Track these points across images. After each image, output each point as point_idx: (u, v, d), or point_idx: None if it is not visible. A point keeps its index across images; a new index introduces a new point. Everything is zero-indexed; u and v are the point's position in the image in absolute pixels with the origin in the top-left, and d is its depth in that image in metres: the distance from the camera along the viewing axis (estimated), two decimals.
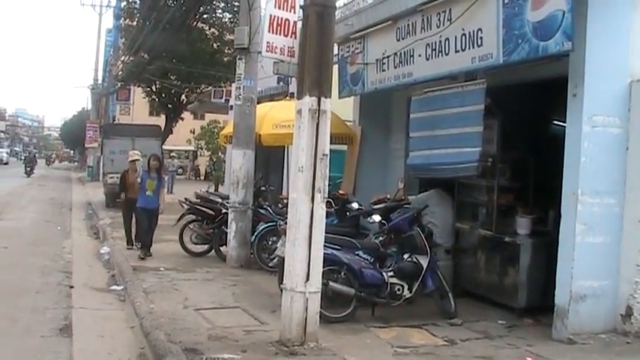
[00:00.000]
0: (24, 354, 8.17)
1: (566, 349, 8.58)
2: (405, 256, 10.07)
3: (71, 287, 11.89)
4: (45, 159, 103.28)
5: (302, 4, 9.04)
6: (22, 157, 79.61)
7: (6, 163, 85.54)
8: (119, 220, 21.28)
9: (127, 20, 41.93)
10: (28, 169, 56.79)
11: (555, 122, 12.05)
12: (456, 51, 10.19)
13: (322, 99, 7.97)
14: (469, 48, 9.90)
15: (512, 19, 8.99)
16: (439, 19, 10.57)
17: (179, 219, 15.54)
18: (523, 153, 11.14)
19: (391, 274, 9.88)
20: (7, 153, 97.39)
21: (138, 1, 39.35)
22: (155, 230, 15.35)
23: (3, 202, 28.49)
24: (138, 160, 16.60)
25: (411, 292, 9.86)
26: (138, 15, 38.65)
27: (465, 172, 10.37)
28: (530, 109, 11.21)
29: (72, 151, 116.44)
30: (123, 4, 41.84)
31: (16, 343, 8.51)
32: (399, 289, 9.84)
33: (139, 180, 15.35)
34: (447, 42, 10.40)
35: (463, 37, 9.99)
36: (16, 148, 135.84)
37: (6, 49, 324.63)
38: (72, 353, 8.22)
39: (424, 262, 9.94)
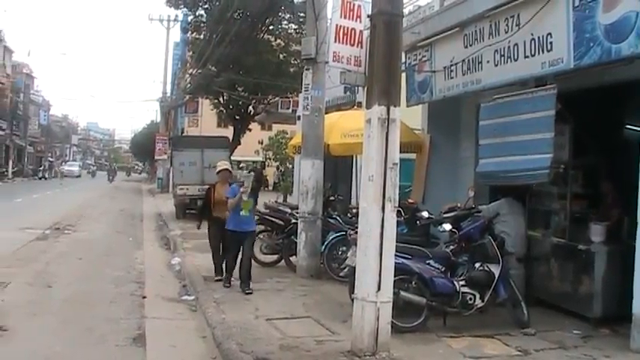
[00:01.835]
0: None
1: None
2: (477, 264, 9.97)
3: (144, 297, 12.05)
4: (125, 171, 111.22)
5: (369, 13, 9.02)
6: (105, 169, 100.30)
7: (78, 176, 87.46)
8: (190, 231, 21.62)
9: (194, 33, 42.41)
10: (111, 177, 78.93)
11: (629, 126, 11.81)
12: (526, 56, 10.06)
13: (391, 108, 7.95)
14: (539, 53, 9.75)
15: (583, 22, 8.83)
16: (507, 25, 10.44)
17: None
18: (596, 159, 10.93)
19: (463, 283, 9.79)
20: (79, 166, 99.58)
21: (205, 15, 39.78)
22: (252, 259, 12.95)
23: (77, 214, 29.12)
24: (228, 170, 13.94)
25: (483, 302, 9.75)
26: (205, 28, 39.10)
27: (536, 179, 10.19)
28: (602, 113, 10.97)
29: (142, 164, 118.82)
30: (190, 17, 42.35)
31: (92, 351, 8.68)
32: (470, 299, 9.74)
33: (234, 197, 12.41)
34: (515, 47, 10.26)
35: (532, 42, 9.85)
36: (88, 161, 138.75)
37: (77, 65, 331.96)
38: None
39: (496, 270, 9.82)
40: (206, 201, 13.95)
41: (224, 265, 13.10)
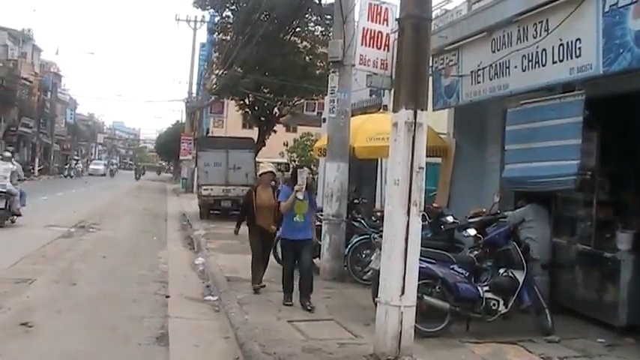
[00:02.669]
0: None
1: None
2: (501, 270, 9.93)
3: (167, 297, 12.11)
4: (156, 170, 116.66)
5: (396, 17, 9.02)
6: (133, 168, 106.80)
7: (103, 175, 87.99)
8: (213, 231, 21.74)
9: (221, 35, 42.53)
10: (138, 176, 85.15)
11: None
12: (554, 62, 10.00)
13: (418, 112, 7.93)
14: (567, 58, 9.69)
15: (613, 28, 8.76)
16: (536, 30, 10.39)
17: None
18: (623, 166, 10.84)
19: (486, 288, 9.75)
20: (104, 165, 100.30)
21: (232, 16, 39.90)
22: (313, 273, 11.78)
23: (101, 212, 29.30)
24: (272, 172, 12.81)
25: (506, 308, 9.70)
26: (231, 29, 39.21)
27: (562, 186, 10.13)
28: (631, 120, 10.89)
29: (167, 163, 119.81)
30: (217, 19, 42.48)
31: (115, 350, 8.74)
32: (494, 304, 9.69)
33: (281, 201, 11.36)
34: (544, 53, 10.21)
35: (561, 47, 9.79)
36: (113, 160, 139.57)
37: (105, 64, 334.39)
38: None
39: (520, 277, 9.76)
40: (247, 206, 12.59)
41: (282, 280, 11.58)
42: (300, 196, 11.01)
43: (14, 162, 22.82)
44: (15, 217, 21.39)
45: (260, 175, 12.77)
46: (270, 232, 12.38)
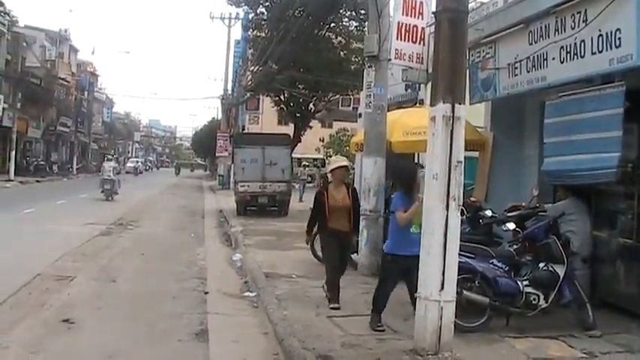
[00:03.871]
0: (163, 357, 8.47)
1: None
2: (541, 264, 9.81)
3: (206, 293, 12.20)
4: (190, 167, 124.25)
5: (431, 10, 8.97)
6: (172, 165, 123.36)
7: (140, 172, 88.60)
8: (250, 227, 21.84)
9: (255, 31, 42.69)
10: (177, 171, 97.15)
11: None
12: (593, 53, 9.86)
13: (456, 105, 7.89)
14: (606, 49, 9.55)
15: None
16: (574, 21, 10.26)
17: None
18: None
19: (526, 283, 9.64)
20: (141, 163, 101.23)
21: (266, 13, 40.02)
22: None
23: (139, 210, 29.65)
24: (346, 167, 11.51)
25: (547, 302, 9.59)
26: (266, 26, 39.32)
27: (602, 179, 9.98)
28: None
29: (203, 160, 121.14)
30: (251, 15, 42.64)
31: (155, 346, 8.82)
32: (534, 299, 9.58)
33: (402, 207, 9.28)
34: (582, 44, 10.08)
35: (600, 38, 9.65)
36: (150, 158, 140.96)
37: (140, 63, 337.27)
38: (208, 358, 8.45)
39: (560, 271, 9.64)
40: (319, 209, 11.07)
41: (374, 299, 9.80)
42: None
43: (115, 161, 41.18)
44: (115, 194, 34.38)
45: (332, 170, 11.30)
46: (346, 231, 10.93)
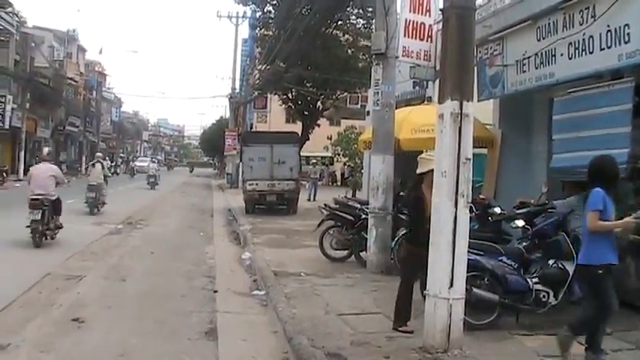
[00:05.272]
0: (172, 356, 8.42)
1: None
2: (551, 261, 9.77)
3: (215, 291, 12.17)
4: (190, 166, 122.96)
5: (439, 7, 8.95)
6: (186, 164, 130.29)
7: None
8: (259, 226, 21.81)
9: (263, 30, 42.73)
10: (190, 170, 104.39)
11: None
12: (601, 49, 9.85)
13: (464, 102, 7.87)
14: (615, 45, 9.54)
15: None
16: (582, 17, 10.25)
17: (319, 225, 15.63)
18: None
19: (536, 280, 9.60)
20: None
21: (273, 11, 40.03)
22: None
23: (148, 208, 29.61)
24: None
25: (556, 299, 9.55)
26: (273, 24, 39.32)
27: None
28: None
29: (212, 159, 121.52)
30: (258, 14, 42.67)
31: (165, 345, 8.79)
32: (544, 296, 9.55)
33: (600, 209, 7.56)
34: (590, 40, 10.06)
35: (608, 33, 9.64)
36: (158, 157, 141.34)
37: (148, 62, 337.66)
38: (218, 356, 8.42)
39: (570, 268, 9.58)
40: (417, 219, 9.27)
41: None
42: None
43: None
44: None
45: (422, 173, 9.28)
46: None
